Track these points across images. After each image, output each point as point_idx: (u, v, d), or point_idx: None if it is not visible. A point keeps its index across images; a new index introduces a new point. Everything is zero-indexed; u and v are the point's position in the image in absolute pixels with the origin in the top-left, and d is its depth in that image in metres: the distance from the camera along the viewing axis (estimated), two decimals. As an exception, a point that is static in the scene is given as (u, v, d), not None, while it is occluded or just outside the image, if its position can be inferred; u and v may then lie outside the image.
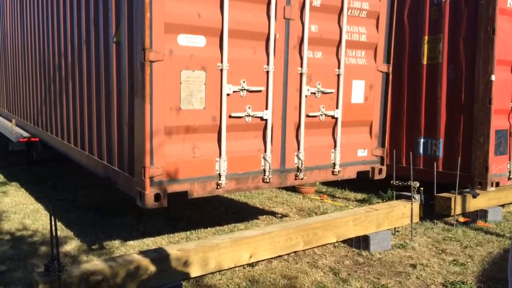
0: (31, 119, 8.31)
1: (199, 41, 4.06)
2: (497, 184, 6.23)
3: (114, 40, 4.46)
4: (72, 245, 5.07)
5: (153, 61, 3.80)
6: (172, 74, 3.92)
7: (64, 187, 7.95)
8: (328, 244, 4.99)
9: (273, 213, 6.58)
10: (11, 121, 9.47)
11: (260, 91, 4.42)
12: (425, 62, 6.75)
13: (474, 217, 6.12)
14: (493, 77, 5.97)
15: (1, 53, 11.07)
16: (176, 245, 4.14)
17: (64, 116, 6.31)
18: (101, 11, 4.75)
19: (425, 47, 6.72)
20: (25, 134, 8.42)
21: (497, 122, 6.15)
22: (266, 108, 4.47)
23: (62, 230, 5.56)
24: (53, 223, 3.08)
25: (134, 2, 3.93)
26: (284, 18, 4.48)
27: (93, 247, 5.07)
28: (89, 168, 5.49)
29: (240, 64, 4.27)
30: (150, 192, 3.85)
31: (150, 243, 5.20)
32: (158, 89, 3.86)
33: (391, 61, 5.33)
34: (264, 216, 6.42)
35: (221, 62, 4.16)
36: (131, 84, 4.10)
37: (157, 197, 3.89)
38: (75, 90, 5.77)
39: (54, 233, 3.16)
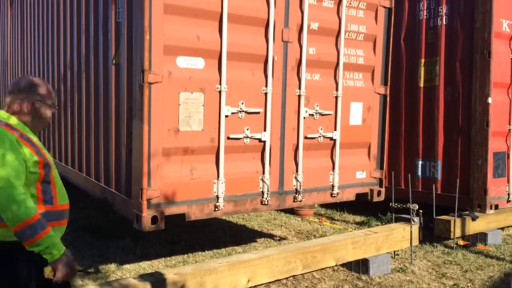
0: (29, 141, 8.28)
1: (198, 63, 4.09)
2: (496, 207, 6.20)
3: (114, 62, 4.49)
4: (67, 269, 4.99)
5: (152, 83, 3.82)
6: (170, 96, 3.93)
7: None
8: (327, 267, 4.92)
9: (271, 236, 6.51)
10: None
11: (258, 112, 4.43)
12: (422, 85, 6.80)
13: (474, 240, 6.07)
14: (490, 100, 6.00)
15: (1, 77, 11.13)
16: (172, 269, 4.08)
17: (62, 138, 6.31)
18: (100, 34, 4.80)
19: (422, 69, 6.78)
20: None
21: (495, 145, 6.16)
22: (265, 130, 4.47)
23: (58, 253, 5.48)
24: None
25: (133, 25, 3.97)
26: (282, 40, 4.53)
27: (89, 270, 4.99)
28: (86, 190, 5.46)
29: (239, 86, 4.29)
30: (147, 215, 3.81)
31: (146, 266, 5.13)
32: (157, 110, 3.86)
33: (389, 83, 5.36)
34: (262, 238, 6.36)
35: (220, 83, 4.18)
36: (130, 105, 4.11)
37: (154, 219, 3.85)
38: (74, 112, 5.79)
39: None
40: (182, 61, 4.00)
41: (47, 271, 2.23)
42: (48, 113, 2.52)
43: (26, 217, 2.14)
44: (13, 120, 2.40)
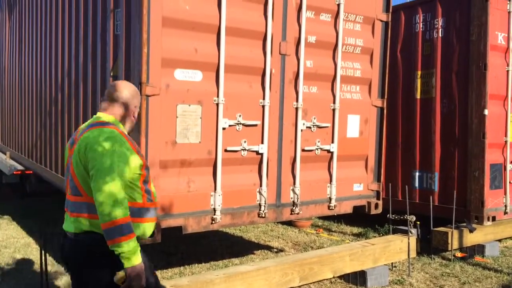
0: (25, 151, 8.27)
1: (196, 75, 4.10)
2: (494, 219, 6.20)
3: (111, 74, 4.50)
4: (62, 281, 4.95)
5: (150, 95, 3.82)
6: (168, 108, 3.93)
7: (57, 220, 7.82)
8: (324, 279, 4.90)
9: (268, 247, 6.49)
10: (5, 154, 9.42)
11: (256, 125, 4.44)
12: (418, 96, 6.83)
13: (472, 252, 6.06)
14: (486, 112, 6.03)
15: (-2, 86, 11.12)
16: (169, 281, 4.05)
17: (59, 149, 6.28)
18: (99, 45, 4.81)
19: (418, 81, 6.82)
20: (19, 167, 8.36)
21: (492, 156, 6.18)
22: (262, 142, 4.47)
23: (53, 265, 5.45)
24: (43, 261, 3.03)
25: (132, 37, 3.99)
26: (279, 53, 4.55)
27: None
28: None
29: (236, 99, 4.30)
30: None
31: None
32: (154, 122, 3.86)
33: (386, 96, 5.39)
34: (260, 250, 6.33)
35: (217, 96, 4.19)
36: (127, 118, 4.10)
37: (151, 232, 3.83)
38: (71, 123, 5.77)
39: (44, 269, 3.09)
40: (180, 74, 4.01)
41: (119, 276, 2.27)
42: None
43: (119, 217, 2.22)
44: (119, 124, 2.55)
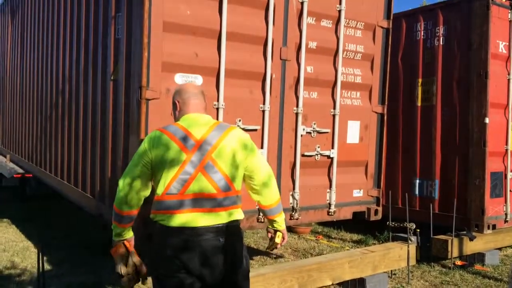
0: (25, 155, 8.28)
1: (196, 80, 4.11)
2: (494, 227, 6.18)
3: (112, 78, 4.51)
4: (60, 286, 4.93)
5: (150, 99, 3.83)
6: (168, 112, 3.92)
7: (56, 224, 7.82)
8: (323, 287, 4.87)
9: (267, 254, 6.46)
10: (5, 157, 9.42)
11: (255, 130, 4.43)
12: (419, 104, 6.83)
13: (472, 260, 6.03)
14: (487, 120, 6.02)
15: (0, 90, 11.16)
16: (167, 286, 4.03)
17: (58, 153, 6.29)
18: (99, 50, 4.82)
19: (419, 89, 6.82)
20: (19, 170, 8.37)
21: (492, 165, 6.17)
22: (262, 147, 4.46)
23: (51, 269, 5.43)
24: (40, 264, 3.01)
25: (132, 42, 4.00)
26: (280, 58, 4.55)
27: None
28: (81, 205, 5.43)
29: (236, 103, 4.30)
30: (143, 232, 3.77)
31: (140, 283, 5.07)
32: (154, 126, 3.83)
33: (386, 102, 5.38)
34: (259, 256, 6.31)
35: (217, 100, 4.19)
36: (127, 121, 4.11)
37: (150, 237, 3.81)
38: (71, 127, 5.78)
39: (41, 273, 3.08)
40: (180, 78, 4.02)
41: (278, 238, 2.96)
42: None
43: (279, 196, 2.94)
44: None
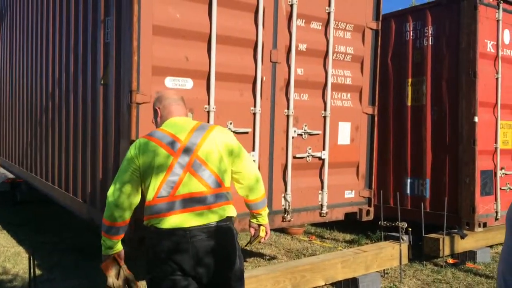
0: (16, 160, 8.22)
1: (187, 83, 4.11)
2: (485, 225, 6.23)
3: (102, 82, 4.49)
4: (52, 291, 4.91)
5: (140, 103, 3.82)
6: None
7: (47, 229, 7.77)
8: (316, 287, 4.88)
9: (261, 255, 6.47)
10: (-5, 162, 9.36)
11: (247, 132, 4.44)
12: (409, 104, 6.88)
13: (463, 258, 6.08)
14: (476, 119, 6.08)
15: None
16: (160, 290, 4.02)
17: (49, 158, 6.25)
18: (89, 54, 4.81)
19: (409, 89, 6.86)
20: (10, 175, 8.31)
21: (482, 163, 6.22)
22: (253, 150, 4.47)
23: (43, 274, 5.40)
24: (32, 269, 3.00)
25: (122, 46, 3.99)
26: (270, 61, 4.57)
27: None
28: (72, 210, 5.40)
29: (227, 106, 4.30)
30: (134, 236, 3.77)
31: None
32: (145, 130, 3.83)
33: (377, 104, 5.41)
34: (252, 258, 6.31)
35: (208, 104, 4.19)
36: (118, 125, 4.10)
37: (141, 240, 3.81)
38: (61, 132, 5.75)
39: (33, 276, 3.06)
40: (171, 82, 4.01)
41: (262, 232, 3.01)
42: None
43: (264, 191, 2.99)
44: None
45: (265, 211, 3.01)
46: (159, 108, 2.87)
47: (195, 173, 2.61)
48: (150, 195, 2.61)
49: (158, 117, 2.87)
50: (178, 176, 2.58)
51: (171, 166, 2.59)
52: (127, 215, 2.69)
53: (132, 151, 2.67)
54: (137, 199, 2.70)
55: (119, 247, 2.78)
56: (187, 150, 2.63)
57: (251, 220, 3.05)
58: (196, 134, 2.69)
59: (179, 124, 2.75)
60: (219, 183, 2.66)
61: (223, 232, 2.64)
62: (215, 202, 2.63)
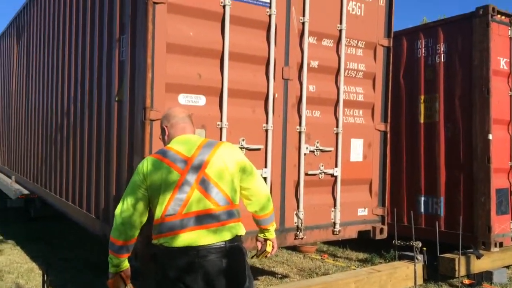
0: (31, 176, 8.31)
1: (199, 100, 4.14)
2: (501, 245, 6.11)
3: (116, 99, 4.55)
4: (64, 307, 4.91)
5: (154, 120, 3.86)
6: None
7: (60, 245, 7.80)
8: (329, 306, 4.81)
9: (272, 273, 6.41)
10: (11, 178, 9.46)
11: (259, 149, 4.45)
12: (422, 121, 6.84)
13: (479, 279, 5.95)
14: (490, 136, 6.01)
15: (5, 112, 11.26)
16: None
17: (63, 174, 6.31)
18: (104, 71, 4.89)
19: (422, 106, 6.84)
20: (25, 191, 8.39)
21: (497, 181, 6.13)
22: (265, 167, 4.47)
23: (55, 291, 5.40)
24: (45, 286, 3.01)
25: (136, 63, 4.05)
26: (282, 78, 4.59)
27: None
28: (86, 226, 5.42)
29: (240, 123, 4.32)
30: (145, 252, 3.77)
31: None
32: (158, 147, 3.86)
33: (389, 120, 5.40)
34: (264, 276, 6.25)
35: (221, 120, 4.22)
36: (131, 141, 4.14)
37: (152, 257, 3.80)
38: (76, 148, 5.82)
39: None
40: (184, 98, 4.05)
41: (269, 247, 3.00)
42: None
43: (273, 206, 2.98)
44: None
45: (272, 226, 3.01)
46: (166, 126, 2.89)
47: (203, 190, 2.61)
48: (158, 213, 2.61)
49: (166, 136, 2.89)
50: (186, 194, 2.58)
51: (179, 184, 2.59)
52: (135, 233, 2.70)
53: (140, 169, 2.69)
54: (145, 217, 2.71)
55: (125, 265, 2.78)
56: (194, 168, 2.63)
57: (259, 235, 3.05)
58: (204, 151, 2.69)
59: (187, 142, 2.77)
60: (227, 201, 2.66)
61: (234, 253, 2.63)
62: (224, 220, 2.63)
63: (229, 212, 2.65)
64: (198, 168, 2.63)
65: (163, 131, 2.92)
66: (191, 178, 2.61)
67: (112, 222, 4.50)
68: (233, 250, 2.63)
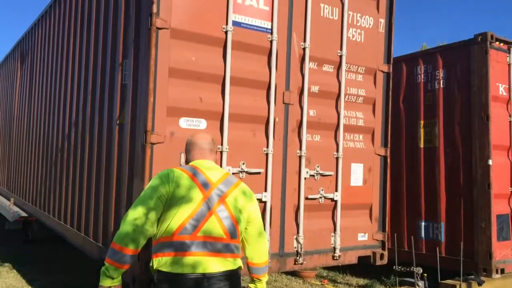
0: (29, 198, 8.28)
1: (200, 124, 4.16)
2: (502, 271, 6.06)
3: (118, 122, 4.58)
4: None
5: (154, 143, 3.87)
6: (172, 156, 3.96)
7: (57, 268, 7.71)
8: (329, 334, 4.74)
9: (272, 299, 6.32)
10: (9, 200, 9.43)
11: (259, 173, 4.45)
12: (422, 146, 6.86)
13: (482, 306, 5.87)
14: (490, 162, 6.02)
15: (6, 134, 11.30)
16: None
17: (63, 196, 6.30)
18: (106, 94, 4.92)
19: (422, 131, 6.87)
20: (23, 213, 8.35)
21: (498, 207, 6.12)
22: (265, 190, 4.46)
23: (51, 316, 5.32)
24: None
25: (139, 87, 4.09)
26: (283, 102, 4.63)
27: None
28: (83, 250, 5.38)
29: (240, 147, 4.33)
30: (144, 277, 3.73)
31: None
32: (158, 170, 3.85)
33: (389, 145, 5.41)
34: (263, 302, 6.16)
35: (221, 144, 4.23)
36: (132, 165, 4.14)
37: (151, 282, 3.76)
38: (76, 171, 5.82)
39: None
40: (185, 122, 4.07)
41: None
42: None
43: (268, 257, 2.99)
44: None
45: (265, 278, 2.98)
46: (186, 153, 2.96)
47: (219, 217, 2.61)
48: (170, 229, 2.52)
49: (185, 160, 2.97)
50: (204, 216, 2.57)
51: (200, 204, 2.58)
52: (142, 243, 2.56)
53: (165, 177, 2.63)
54: (154, 229, 2.59)
55: (119, 279, 2.59)
56: (216, 192, 2.66)
57: (250, 285, 3.01)
58: (227, 182, 2.75)
59: (208, 166, 2.80)
60: (236, 234, 2.68)
61: (237, 282, 2.68)
62: (231, 251, 2.65)
63: (236, 245, 2.69)
64: (219, 195, 2.67)
65: (186, 152, 2.97)
66: (211, 202, 2.62)
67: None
68: (237, 278, 2.69)
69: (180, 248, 2.52)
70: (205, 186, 2.65)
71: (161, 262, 2.55)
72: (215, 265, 2.55)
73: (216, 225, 2.59)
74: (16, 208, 8.79)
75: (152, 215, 2.53)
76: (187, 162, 2.90)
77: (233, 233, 2.66)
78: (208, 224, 2.57)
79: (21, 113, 9.64)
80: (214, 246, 2.56)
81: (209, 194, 2.63)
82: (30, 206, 8.20)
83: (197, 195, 2.60)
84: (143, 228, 2.52)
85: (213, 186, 2.67)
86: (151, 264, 2.63)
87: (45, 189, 7.23)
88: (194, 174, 2.69)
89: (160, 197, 2.56)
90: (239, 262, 2.72)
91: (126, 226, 2.52)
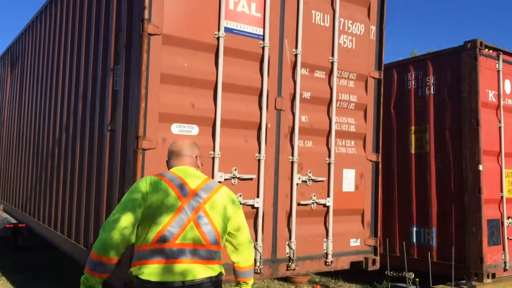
0: (19, 205, 8.20)
1: (192, 130, 4.16)
2: (494, 276, 6.08)
3: (109, 128, 4.55)
4: None
5: (146, 149, 3.85)
6: (164, 162, 3.92)
7: (47, 275, 7.63)
8: None
9: (264, 306, 6.30)
10: (-2, 206, 9.33)
11: (251, 179, 4.44)
12: (413, 151, 6.90)
13: (473, 311, 5.89)
14: (480, 167, 6.07)
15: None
16: None
17: (53, 203, 6.24)
18: (98, 100, 4.90)
19: (413, 137, 6.91)
20: (12, 220, 8.27)
21: (489, 212, 6.15)
22: (257, 196, 4.46)
23: (41, 324, 5.26)
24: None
25: (130, 93, 4.08)
26: (275, 109, 4.63)
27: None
28: (73, 257, 5.33)
29: (232, 152, 4.33)
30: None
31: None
32: (150, 176, 3.86)
33: (380, 151, 5.44)
34: (255, 308, 6.14)
35: (213, 150, 4.22)
36: (123, 171, 4.12)
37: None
38: (66, 177, 5.77)
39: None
40: (177, 128, 4.07)
41: None
42: None
43: (253, 260, 3.02)
44: None
45: (251, 281, 2.94)
46: (167, 161, 2.93)
47: (198, 224, 2.57)
48: (148, 238, 2.49)
49: (169, 161, 2.93)
50: (182, 223, 2.53)
51: (178, 211, 2.55)
52: (121, 251, 2.51)
53: (142, 186, 2.59)
54: (133, 238, 2.54)
55: (100, 287, 2.56)
56: (195, 199, 2.62)
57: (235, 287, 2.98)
58: (206, 187, 2.70)
59: (188, 172, 2.76)
60: (217, 241, 2.64)
61: (218, 285, 2.65)
62: (216, 259, 2.63)
63: (216, 252, 2.64)
64: (199, 201, 2.62)
65: (168, 156, 2.93)
66: (190, 209, 2.58)
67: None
68: (218, 285, 2.65)
69: (159, 256, 2.48)
70: (183, 192, 2.61)
71: (140, 270, 2.50)
72: (195, 272, 2.51)
73: (195, 232, 2.55)
74: (5, 215, 8.70)
75: (131, 223, 2.49)
76: (168, 169, 2.85)
77: (213, 239, 2.61)
78: (187, 231, 2.53)
79: (11, 119, 9.56)
80: (193, 253, 2.53)
81: (188, 200, 2.59)
82: (19, 212, 8.11)
83: (175, 202, 2.56)
84: (123, 236, 2.47)
85: (192, 192, 2.63)
86: (130, 270, 2.58)
87: (35, 195, 7.17)
88: (171, 180, 2.64)
89: (139, 206, 2.53)
90: (220, 268, 2.68)
91: (104, 236, 2.48)
